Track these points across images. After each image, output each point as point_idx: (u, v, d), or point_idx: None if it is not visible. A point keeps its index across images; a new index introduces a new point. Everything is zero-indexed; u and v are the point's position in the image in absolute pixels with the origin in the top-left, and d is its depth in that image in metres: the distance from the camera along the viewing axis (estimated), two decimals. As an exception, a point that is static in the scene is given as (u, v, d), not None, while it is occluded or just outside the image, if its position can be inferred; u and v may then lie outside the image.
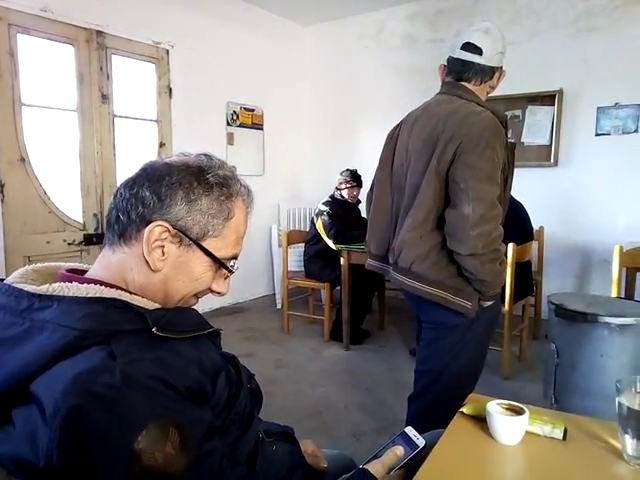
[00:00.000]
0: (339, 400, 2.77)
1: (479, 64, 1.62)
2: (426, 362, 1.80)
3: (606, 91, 3.80)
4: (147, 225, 0.73)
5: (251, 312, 4.64)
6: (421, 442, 0.90)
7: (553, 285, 3.94)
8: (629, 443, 0.84)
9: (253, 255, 4.99)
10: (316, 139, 5.48)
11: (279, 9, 4.91)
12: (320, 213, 3.76)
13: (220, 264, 0.81)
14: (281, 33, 5.17)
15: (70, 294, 0.68)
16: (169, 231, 0.74)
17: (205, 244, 0.78)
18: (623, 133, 3.79)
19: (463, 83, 1.65)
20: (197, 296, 0.84)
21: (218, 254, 0.79)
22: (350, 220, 3.81)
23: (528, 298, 3.33)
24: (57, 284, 0.69)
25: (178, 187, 0.75)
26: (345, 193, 3.82)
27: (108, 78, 3.70)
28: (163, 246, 0.74)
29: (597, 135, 3.90)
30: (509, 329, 2.99)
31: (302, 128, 5.52)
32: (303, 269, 4.02)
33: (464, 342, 1.69)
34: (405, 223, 1.64)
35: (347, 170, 3.87)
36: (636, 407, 0.84)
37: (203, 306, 4.46)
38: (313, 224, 3.87)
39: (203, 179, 0.77)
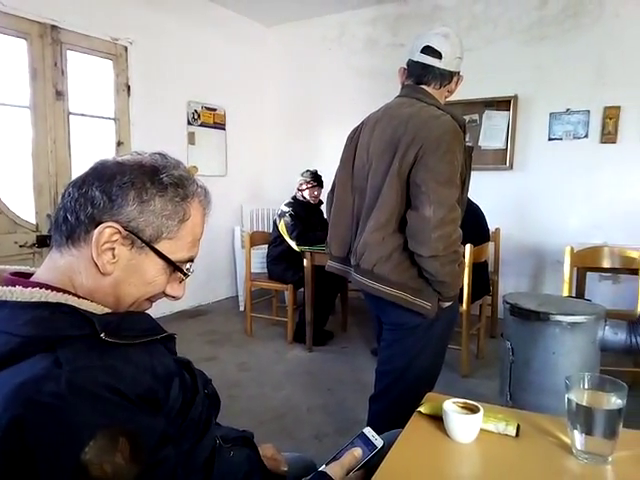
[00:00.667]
0: (302, 402, 2.76)
1: (438, 68, 1.64)
2: (387, 363, 1.81)
3: (558, 97, 3.96)
4: (97, 226, 0.71)
5: (214, 315, 4.57)
6: (379, 443, 0.91)
7: (509, 285, 4.07)
8: (578, 438, 0.87)
9: (216, 257, 4.93)
10: (279, 139, 5.47)
11: (242, 9, 4.87)
12: (282, 214, 3.75)
13: (175, 267, 0.78)
14: (244, 33, 5.13)
15: (13, 299, 0.65)
16: (120, 233, 0.71)
17: (159, 246, 0.75)
18: (574, 138, 3.95)
19: (423, 86, 1.67)
20: (151, 300, 0.81)
21: (173, 257, 0.77)
22: (312, 221, 3.82)
23: (485, 298, 3.42)
24: None
25: (130, 187, 0.72)
26: (306, 194, 3.82)
27: (63, 74, 3.57)
28: (113, 248, 0.72)
29: (550, 140, 4.05)
30: (467, 328, 3.07)
31: (265, 128, 5.49)
32: (266, 271, 4.00)
33: (424, 342, 1.72)
34: (368, 225, 1.64)
35: (307, 171, 3.88)
36: (584, 403, 0.87)
37: (164, 309, 4.37)
38: (275, 225, 3.85)
39: (157, 179, 0.75)
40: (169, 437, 0.66)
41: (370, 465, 0.88)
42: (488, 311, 3.70)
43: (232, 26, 4.96)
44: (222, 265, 5.00)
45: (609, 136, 3.80)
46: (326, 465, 0.90)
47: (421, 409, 1.01)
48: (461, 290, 3.01)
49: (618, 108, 3.76)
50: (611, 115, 3.77)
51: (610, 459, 0.85)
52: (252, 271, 3.93)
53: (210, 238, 4.82)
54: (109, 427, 0.58)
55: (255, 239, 3.94)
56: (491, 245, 3.78)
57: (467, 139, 1.77)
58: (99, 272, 0.72)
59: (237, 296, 4.85)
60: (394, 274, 1.61)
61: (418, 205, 1.51)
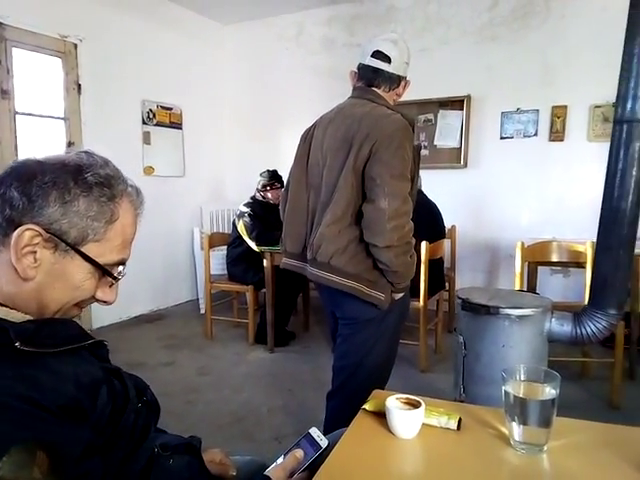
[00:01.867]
0: (262, 404, 2.75)
1: (388, 72, 1.73)
2: (343, 358, 1.86)
3: (509, 97, 4.08)
4: (15, 229, 0.67)
5: (173, 318, 4.49)
6: (324, 442, 0.91)
7: (465, 280, 4.16)
8: (515, 430, 0.89)
9: (175, 259, 4.84)
10: (238, 139, 5.41)
11: (197, 7, 4.80)
12: (241, 215, 3.72)
13: (103, 271, 0.75)
14: (200, 31, 5.05)
15: None
16: (41, 235, 0.68)
17: (85, 249, 0.72)
18: (524, 137, 4.08)
19: (373, 88, 1.75)
20: (80, 306, 0.77)
21: (101, 260, 0.74)
22: (272, 221, 3.79)
23: (442, 293, 3.49)
24: None
25: (51, 187, 0.69)
26: (269, 195, 3.81)
27: (8, 72, 3.43)
28: (35, 252, 0.68)
29: (502, 138, 4.17)
30: (424, 323, 3.12)
31: (223, 128, 5.43)
32: (226, 272, 3.96)
33: (378, 335, 1.78)
34: (324, 219, 1.69)
35: (268, 171, 3.86)
36: (520, 395, 0.90)
37: (121, 314, 4.27)
38: (235, 226, 3.82)
39: (81, 178, 0.71)
40: (96, 448, 0.64)
41: (315, 466, 0.88)
42: (445, 306, 3.78)
43: (187, 24, 4.88)
44: (181, 268, 4.91)
45: (557, 134, 3.95)
46: (271, 468, 0.89)
47: (366, 406, 1.01)
48: (417, 285, 3.07)
49: (565, 107, 3.91)
50: (559, 114, 3.92)
51: (545, 448, 0.88)
52: (212, 273, 3.88)
53: (169, 240, 4.77)
54: (25, 441, 0.55)
55: (214, 240, 3.89)
56: (447, 242, 3.86)
57: (422, 141, 1.87)
58: (20, 277, 0.68)
59: (197, 299, 4.78)
60: (350, 266, 1.66)
61: (374, 197, 1.58)
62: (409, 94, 4.53)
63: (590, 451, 0.88)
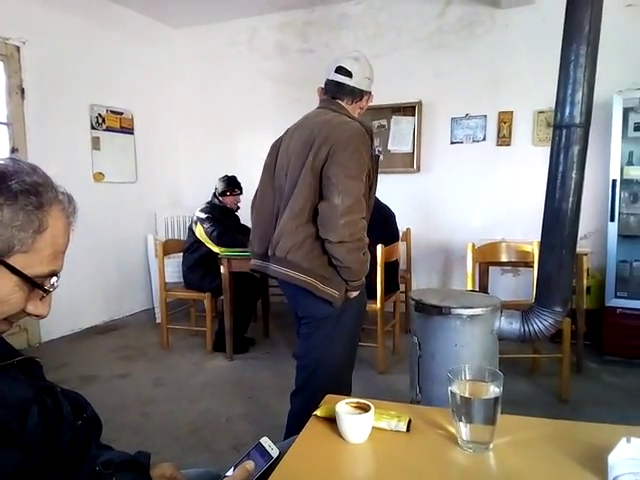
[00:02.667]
0: (221, 413, 2.71)
1: (349, 85, 1.89)
2: (304, 356, 1.94)
3: (458, 103, 4.20)
4: None
5: (128, 329, 4.36)
6: (275, 452, 0.91)
7: (421, 281, 4.26)
8: (462, 429, 0.91)
9: (129, 268, 4.71)
10: (192, 144, 5.33)
11: (145, 9, 4.70)
12: (199, 220, 3.66)
13: (32, 283, 0.71)
14: (149, 34, 4.95)
15: None
16: None
17: (11, 260, 0.68)
18: (473, 141, 4.21)
19: (337, 100, 1.91)
20: (9, 321, 0.73)
21: (29, 271, 0.70)
22: (229, 225, 3.76)
23: (399, 295, 3.55)
24: None
25: None
26: (229, 200, 3.78)
27: (-57, 76, 3.26)
28: None
29: (452, 143, 4.29)
30: (382, 325, 3.16)
31: (177, 132, 5.33)
32: (183, 280, 3.88)
33: (335, 333, 1.85)
34: (284, 215, 1.80)
35: (227, 177, 3.82)
36: (466, 394, 0.92)
37: (72, 326, 4.12)
38: (191, 232, 3.76)
39: (5, 186, 0.68)
40: (28, 471, 0.61)
41: (267, 476, 0.88)
42: (402, 307, 3.84)
43: (137, 27, 4.78)
44: (136, 276, 4.78)
45: (504, 139, 4.10)
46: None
47: (317, 412, 1.02)
48: (374, 288, 3.11)
49: (511, 113, 4.06)
50: (505, 119, 4.07)
51: (491, 446, 0.90)
52: (167, 281, 3.80)
53: (121, 248, 4.64)
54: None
55: (169, 247, 3.81)
56: (403, 244, 3.93)
57: (376, 146, 1.96)
58: None
59: (153, 308, 4.66)
60: (305, 261, 1.75)
61: (328, 195, 1.70)
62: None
63: (534, 447, 0.91)
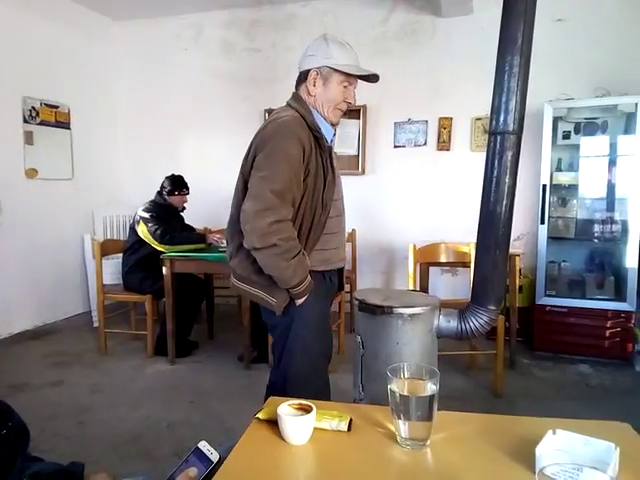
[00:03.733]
0: (162, 419, 2.63)
1: (299, 72, 1.77)
2: (274, 368, 1.88)
3: (401, 108, 4.31)
4: None
5: (63, 334, 4.16)
6: (215, 457, 0.89)
7: (365, 282, 4.33)
8: (401, 427, 0.93)
9: (64, 269, 4.48)
10: (134, 141, 5.14)
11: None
12: (142, 219, 3.53)
13: None
14: (86, 24, 4.72)
15: None
16: None
17: None
18: (415, 145, 4.34)
19: (298, 92, 1.78)
20: None
21: None
22: (173, 225, 3.67)
23: (344, 295, 3.59)
24: None
25: None
26: (176, 200, 3.68)
27: None
28: None
29: (395, 147, 4.39)
30: (327, 326, 3.18)
31: (117, 128, 5.13)
32: (122, 282, 3.74)
33: (291, 344, 1.74)
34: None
35: (174, 176, 3.71)
36: (404, 392, 0.94)
37: (1, 331, 3.87)
38: (133, 231, 3.62)
39: None
40: None
41: (208, 481, 0.86)
42: (347, 308, 3.88)
43: (74, 18, 4.56)
44: (71, 278, 4.56)
45: (444, 144, 4.24)
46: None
47: (259, 415, 1.01)
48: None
49: (450, 119, 4.21)
50: (445, 125, 4.22)
51: (428, 442, 0.93)
52: (106, 283, 3.66)
53: (56, 249, 4.41)
54: None
55: (107, 248, 3.67)
56: (348, 245, 3.97)
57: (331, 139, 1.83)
58: None
59: (90, 311, 4.47)
60: (240, 268, 1.71)
61: (245, 199, 1.61)
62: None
63: (469, 442, 0.95)
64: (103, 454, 2.28)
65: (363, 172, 4.44)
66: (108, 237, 4.71)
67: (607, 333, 3.37)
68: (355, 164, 4.46)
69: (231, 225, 1.72)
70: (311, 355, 1.76)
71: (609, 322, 3.36)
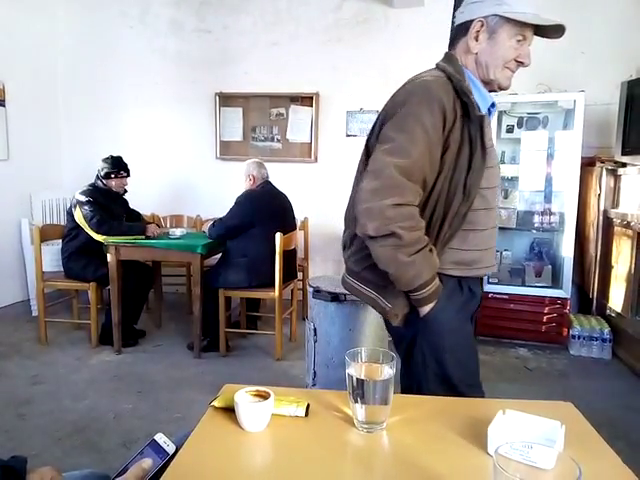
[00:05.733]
0: (108, 410, 2.55)
1: (454, 23, 1.42)
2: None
3: (353, 97, 4.33)
4: None
5: (-2, 323, 3.93)
6: (171, 448, 0.88)
7: (318, 270, 4.35)
8: (358, 411, 0.95)
9: (-1, 256, 4.22)
10: (75, 120, 4.89)
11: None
12: (78, 203, 3.36)
13: None
14: (24, -4, 4.42)
15: None
16: None
17: None
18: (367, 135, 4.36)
19: (451, 52, 1.40)
20: None
21: None
22: (115, 210, 3.51)
23: (296, 282, 3.61)
24: None
25: None
26: (114, 183, 3.50)
27: None
28: None
29: (347, 136, 4.42)
30: (280, 313, 3.20)
31: (58, 107, 4.86)
32: (62, 269, 3.57)
33: (420, 368, 1.35)
34: None
35: (112, 158, 3.53)
36: (362, 376, 0.96)
37: None
38: (71, 215, 3.44)
39: None
40: None
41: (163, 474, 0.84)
42: (299, 295, 3.90)
43: (7, -14, 4.25)
44: (7, 265, 4.31)
45: (396, 134, 4.30)
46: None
47: (215, 403, 1.00)
48: (272, 276, 3.13)
49: (402, 109, 4.27)
50: (397, 115, 4.28)
51: (384, 425, 0.96)
52: (45, 270, 3.48)
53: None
54: None
55: (47, 233, 3.48)
56: (301, 233, 3.99)
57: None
58: None
59: (29, 300, 4.24)
60: (352, 260, 1.42)
61: (363, 178, 1.28)
62: (262, 86, 4.51)
63: (423, 424, 0.98)
64: (46, 448, 2.19)
65: (316, 160, 4.45)
66: (47, 222, 4.48)
67: (544, 319, 3.57)
68: (307, 152, 4.45)
69: (348, 209, 1.45)
70: (449, 386, 1.32)
71: (546, 308, 3.55)
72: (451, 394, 1.25)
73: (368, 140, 1.42)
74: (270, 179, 3.41)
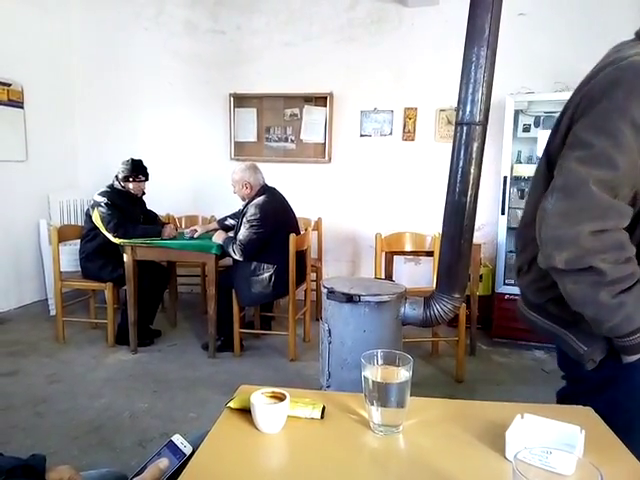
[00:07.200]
0: (124, 409, 2.58)
1: None
2: None
3: (367, 97, 4.32)
4: None
5: (17, 322, 3.99)
6: (188, 449, 0.88)
7: (331, 270, 4.35)
8: (374, 413, 0.95)
9: (18, 256, 4.30)
10: (92, 122, 4.94)
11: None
12: (96, 204, 3.40)
13: None
14: (41, -1, 4.48)
15: None
16: None
17: None
18: (381, 135, 4.36)
19: None
20: None
21: None
22: (133, 212, 3.54)
23: (310, 283, 3.61)
24: None
25: None
26: (131, 186, 3.53)
27: None
28: None
29: (361, 136, 4.41)
30: (293, 313, 3.19)
31: (75, 108, 4.92)
32: (80, 269, 3.61)
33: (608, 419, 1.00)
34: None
35: (132, 161, 3.56)
36: (378, 379, 0.96)
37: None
38: (89, 217, 3.49)
39: None
40: None
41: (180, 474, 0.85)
42: (313, 296, 3.90)
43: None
44: (26, 265, 4.38)
45: (409, 134, 4.29)
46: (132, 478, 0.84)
47: (231, 404, 1.00)
48: (285, 278, 3.12)
49: (415, 109, 4.25)
50: (410, 115, 4.26)
51: (401, 428, 0.95)
52: (63, 270, 3.53)
53: (9, 234, 4.22)
54: None
55: (65, 234, 3.53)
56: (314, 234, 3.99)
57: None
58: None
59: (47, 299, 4.31)
60: (531, 291, 1.19)
61: (547, 193, 1.02)
62: (275, 86, 4.52)
63: (439, 427, 0.97)
64: (62, 446, 2.22)
65: (329, 160, 4.44)
66: (65, 222, 4.54)
67: (561, 319, 3.51)
68: (321, 152, 4.45)
69: (523, 227, 1.20)
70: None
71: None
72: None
73: (549, 143, 1.14)
74: (275, 181, 3.38)
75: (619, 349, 1.02)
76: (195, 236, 3.49)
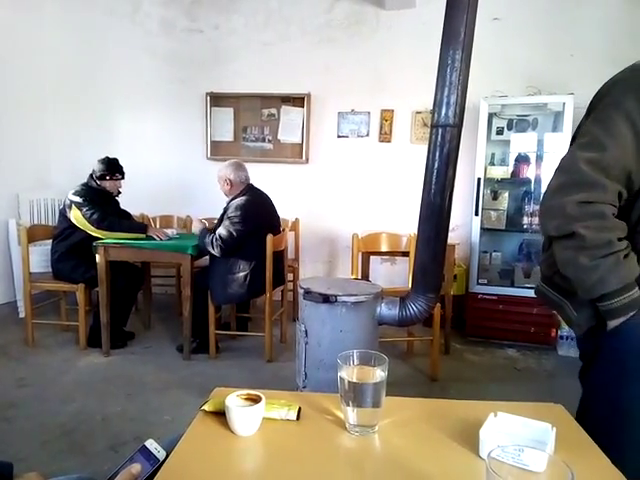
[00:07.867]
0: (96, 413, 2.52)
1: None
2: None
3: (344, 98, 4.33)
4: None
5: (-17, 325, 3.87)
6: (162, 454, 0.86)
7: (308, 271, 4.35)
8: (350, 414, 0.95)
9: (-16, 257, 4.16)
10: (65, 119, 4.82)
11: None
12: (74, 204, 3.33)
13: None
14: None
15: None
16: None
17: None
18: (358, 136, 4.38)
19: None
20: None
21: None
22: (108, 211, 3.48)
23: (286, 284, 3.60)
24: None
25: None
26: (107, 185, 3.47)
27: None
28: None
29: (339, 137, 4.42)
30: (270, 314, 3.18)
31: (46, 105, 4.78)
32: (51, 270, 3.53)
33: (600, 398, 1.20)
34: None
35: (108, 159, 3.50)
36: (354, 380, 0.96)
37: None
38: (63, 217, 3.41)
39: None
40: None
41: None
42: (290, 296, 3.89)
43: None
44: (-6, 266, 4.25)
45: (385, 135, 4.32)
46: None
47: (205, 407, 0.99)
48: (262, 278, 3.11)
49: (392, 111, 4.29)
50: (387, 117, 4.29)
51: (376, 428, 0.95)
52: (33, 271, 3.44)
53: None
54: None
55: (35, 234, 3.44)
56: (291, 234, 3.98)
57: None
58: None
59: (16, 301, 4.18)
60: (545, 265, 1.33)
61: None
62: (253, 86, 4.49)
63: (415, 426, 0.98)
64: (31, 452, 2.16)
65: (307, 161, 4.44)
66: (35, 222, 4.42)
67: (533, 319, 3.59)
68: (299, 152, 4.44)
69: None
70: (620, 424, 1.12)
71: (535, 309, 3.58)
72: (619, 435, 1.08)
73: (574, 138, 1.28)
74: (252, 181, 3.34)
75: (603, 314, 1.13)
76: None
